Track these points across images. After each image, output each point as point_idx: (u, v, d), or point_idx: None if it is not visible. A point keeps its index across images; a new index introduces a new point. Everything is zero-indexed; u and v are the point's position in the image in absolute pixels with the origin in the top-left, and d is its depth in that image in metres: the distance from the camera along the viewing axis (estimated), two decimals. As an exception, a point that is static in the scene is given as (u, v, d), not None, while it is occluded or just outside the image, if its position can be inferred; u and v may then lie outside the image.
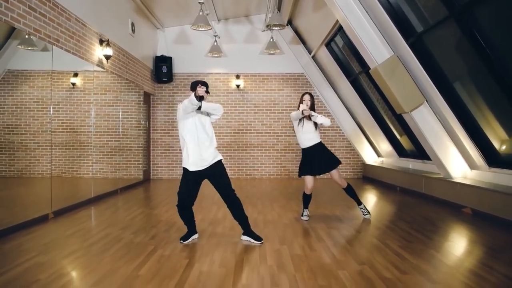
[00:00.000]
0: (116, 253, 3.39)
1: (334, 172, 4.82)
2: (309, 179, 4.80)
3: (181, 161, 3.75)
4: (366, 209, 4.95)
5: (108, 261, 3.17)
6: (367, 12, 5.82)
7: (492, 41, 4.33)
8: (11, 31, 4.36)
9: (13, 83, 4.89)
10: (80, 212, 5.28)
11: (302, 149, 4.82)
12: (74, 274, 2.95)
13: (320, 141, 4.81)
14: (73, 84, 5.96)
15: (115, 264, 3.08)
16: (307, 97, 4.73)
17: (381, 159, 9.52)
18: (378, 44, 5.84)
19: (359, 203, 4.97)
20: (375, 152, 9.71)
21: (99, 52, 6.32)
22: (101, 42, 6.33)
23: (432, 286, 2.69)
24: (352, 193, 4.94)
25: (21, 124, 4.96)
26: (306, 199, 4.92)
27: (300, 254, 3.36)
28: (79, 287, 2.70)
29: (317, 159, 4.74)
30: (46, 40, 4.73)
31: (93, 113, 6.38)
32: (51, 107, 5.09)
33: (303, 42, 9.64)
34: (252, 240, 3.74)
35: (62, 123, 5.81)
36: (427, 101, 5.85)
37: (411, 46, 5.57)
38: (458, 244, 3.98)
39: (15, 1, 4.13)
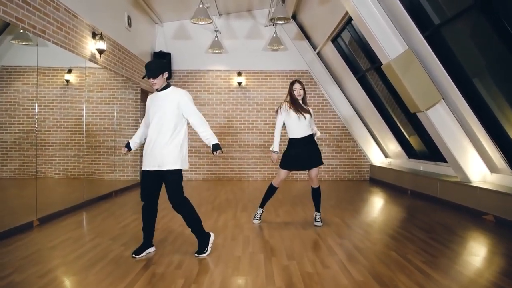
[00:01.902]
0: (102, 270, 2.98)
1: (315, 170, 4.48)
2: (285, 172, 4.51)
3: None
4: (320, 219, 4.57)
5: (92, 280, 2.77)
6: (379, 2, 5.41)
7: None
8: (5, 26, 4.03)
9: (7, 80, 4.58)
10: (69, 219, 4.87)
11: (294, 139, 4.46)
12: (51, 297, 2.55)
13: (312, 134, 4.49)
14: (66, 80, 5.60)
15: (100, 285, 2.68)
16: (297, 85, 4.41)
17: (388, 160, 9.10)
18: (391, 38, 5.43)
19: (318, 210, 4.59)
20: (382, 152, 9.29)
21: (92, 46, 5.90)
22: (93, 35, 5.92)
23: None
24: (317, 196, 4.57)
25: (14, 123, 4.66)
26: (270, 194, 4.63)
27: (311, 272, 2.95)
28: (55, 315, 2.30)
29: (306, 153, 4.41)
30: (30, 31, 4.33)
31: (85, 111, 5.98)
32: (36, 104, 4.70)
33: (308, 37, 9.22)
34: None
35: (56, 121, 5.47)
36: (444, 98, 5.43)
37: (428, 39, 5.15)
38: (487, 259, 3.57)
39: (-6, -13, 3.72)
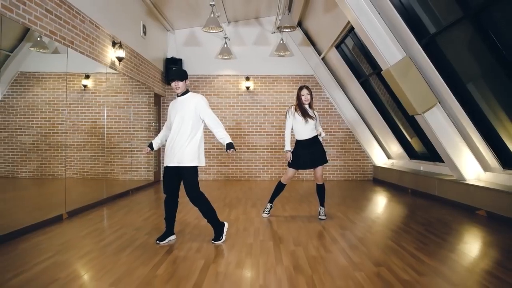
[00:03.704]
0: (131, 253, 3.40)
1: (320, 168, 4.88)
2: (293, 171, 4.92)
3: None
4: (324, 213, 4.98)
5: (124, 261, 3.19)
6: (379, 13, 5.81)
7: (508, 42, 4.28)
8: (24, 34, 4.39)
9: (25, 85, 4.96)
10: (93, 213, 5.31)
11: (300, 140, 4.85)
12: (92, 273, 2.96)
13: (317, 135, 4.89)
14: (85, 86, 6.01)
15: (132, 265, 3.10)
16: (305, 91, 4.81)
17: (391, 161, 9.46)
18: (390, 45, 5.81)
19: (322, 205, 4.99)
20: (385, 154, 9.66)
21: (112, 54, 6.37)
22: (113, 44, 6.38)
23: (451, 288, 2.67)
24: (322, 192, 4.98)
25: (33, 126, 5.04)
26: (278, 191, 5.05)
27: (315, 255, 3.35)
28: (98, 286, 2.71)
29: (312, 153, 4.80)
30: (61, 42, 4.78)
31: (105, 114, 6.43)
32: (66, 109, 5.14)
33: (313, 43, 9.63)
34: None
35: (73, 124, 5.86)
36: (440, 102, 5.81)
37: (424, 47, 5.54)
38: (474, 246, 3.94)
39: (32, 4, 4.18)
